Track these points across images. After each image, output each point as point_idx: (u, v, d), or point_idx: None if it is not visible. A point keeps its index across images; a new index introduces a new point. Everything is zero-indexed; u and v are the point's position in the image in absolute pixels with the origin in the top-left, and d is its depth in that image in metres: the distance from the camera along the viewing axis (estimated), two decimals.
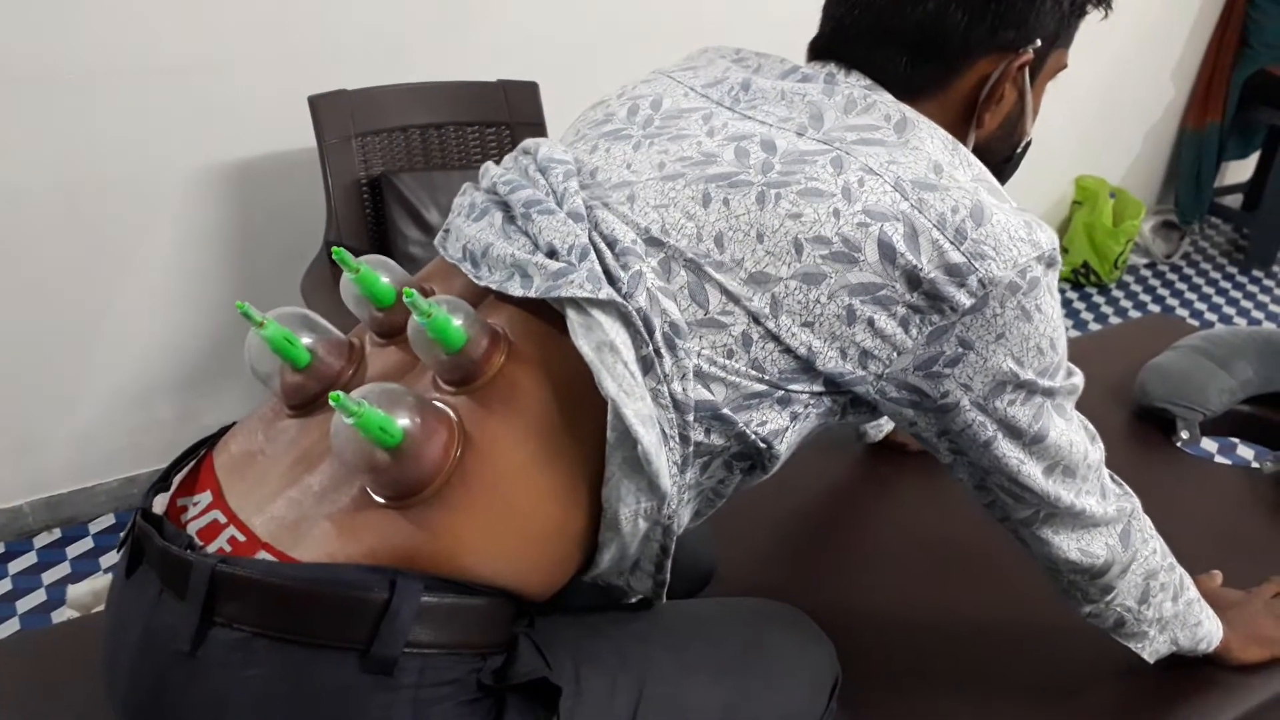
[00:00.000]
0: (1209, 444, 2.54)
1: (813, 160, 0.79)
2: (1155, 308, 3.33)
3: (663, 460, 0.76)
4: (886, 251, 0.76)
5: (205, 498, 0.81)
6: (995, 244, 0.76)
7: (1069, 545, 0.94)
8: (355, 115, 1.91)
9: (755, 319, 0.77)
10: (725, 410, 0.79)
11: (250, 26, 1.98)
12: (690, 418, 0.78)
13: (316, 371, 0.83)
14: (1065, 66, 0.94)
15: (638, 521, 0.79)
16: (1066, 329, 2.95)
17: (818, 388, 0.81)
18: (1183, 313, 3.31)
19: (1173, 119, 3.66)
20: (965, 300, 0.76)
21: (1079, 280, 3.46)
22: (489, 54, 2.24)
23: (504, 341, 0.79)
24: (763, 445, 0.82)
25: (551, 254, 0.79)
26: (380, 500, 0.74)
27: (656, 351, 0.75)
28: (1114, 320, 3.23)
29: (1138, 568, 1.00)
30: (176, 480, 0.85)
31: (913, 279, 0.76)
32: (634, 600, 0.92)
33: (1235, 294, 3.46)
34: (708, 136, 0.84)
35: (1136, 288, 3.48)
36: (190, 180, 2.03)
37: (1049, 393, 0.84)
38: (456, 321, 0.75)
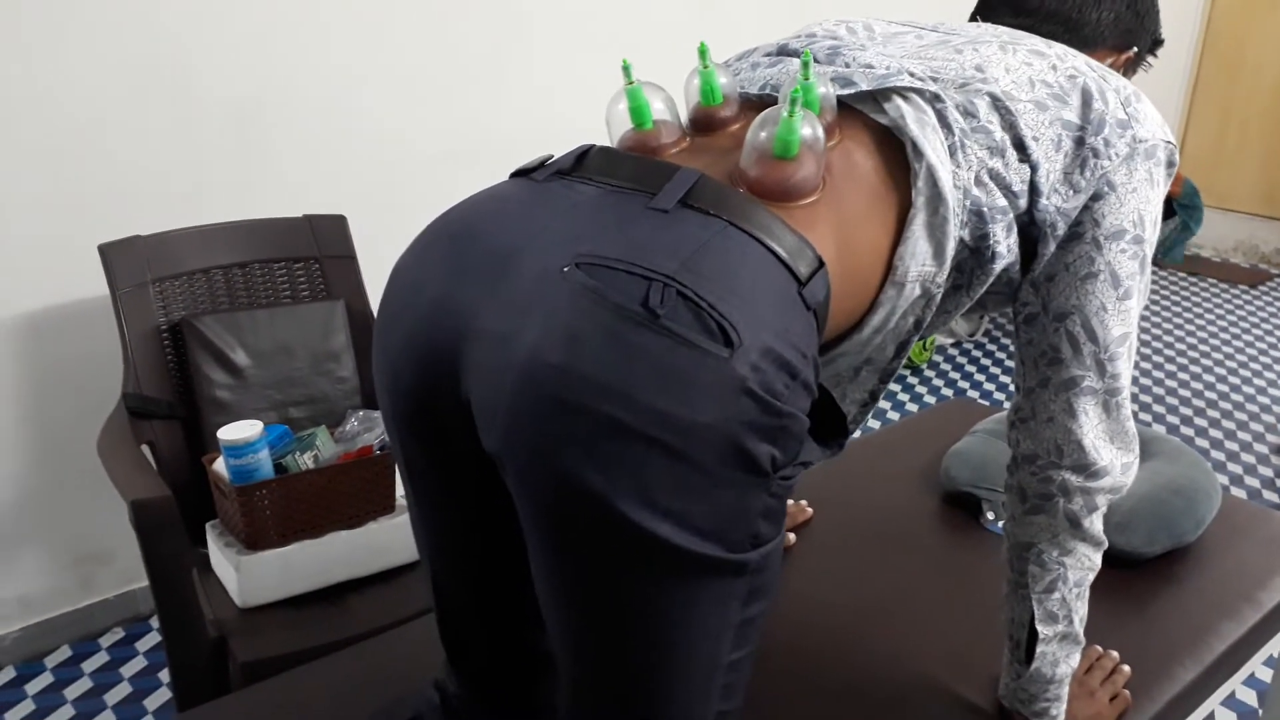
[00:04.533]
0: None
1: (1027, 37, 1.04)
2: (965, 384, 3.54)
3: (953, 227, 0.91)
4: (1086, 98, 0.98)
5: None
6: (1146, 116, 1.01)
7: (1088, 428, 1.04)
8: (151, 261, 1.84)
9: (1010, 125, 0.95)
10: (985, 209, 0.94)
11: (34, 172, 1.90)
12: (968, 204, 0.93)
13: (652, 136, 0.94)
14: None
15: (916, 285, 0.92)
16: (884, 413, 3.03)
17: (1023, 208, 0.97)
18: (989, 387, 3.52)
19: None
20: (1123, 149, 0.98)
21: None
22: (293, 189, 2.22)
23: (839, 124, 0.93)
24: (987, 255, 0.96)
25: (869, 67, 0.96)
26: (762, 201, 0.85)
27: (958, 143, 0.92)
28: (929, 400, 3.40)
29: (1098, 543, 1.09)
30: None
31: (1099, 123, 0.97)
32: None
33: None
34: (931, 40, 1.02)
35: (946, 366, 3.68)
36: None
37: (1144, 265, 1.02)
38: (820, 90, 0.90)
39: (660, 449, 0.74)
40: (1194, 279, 4.59)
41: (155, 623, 2.25)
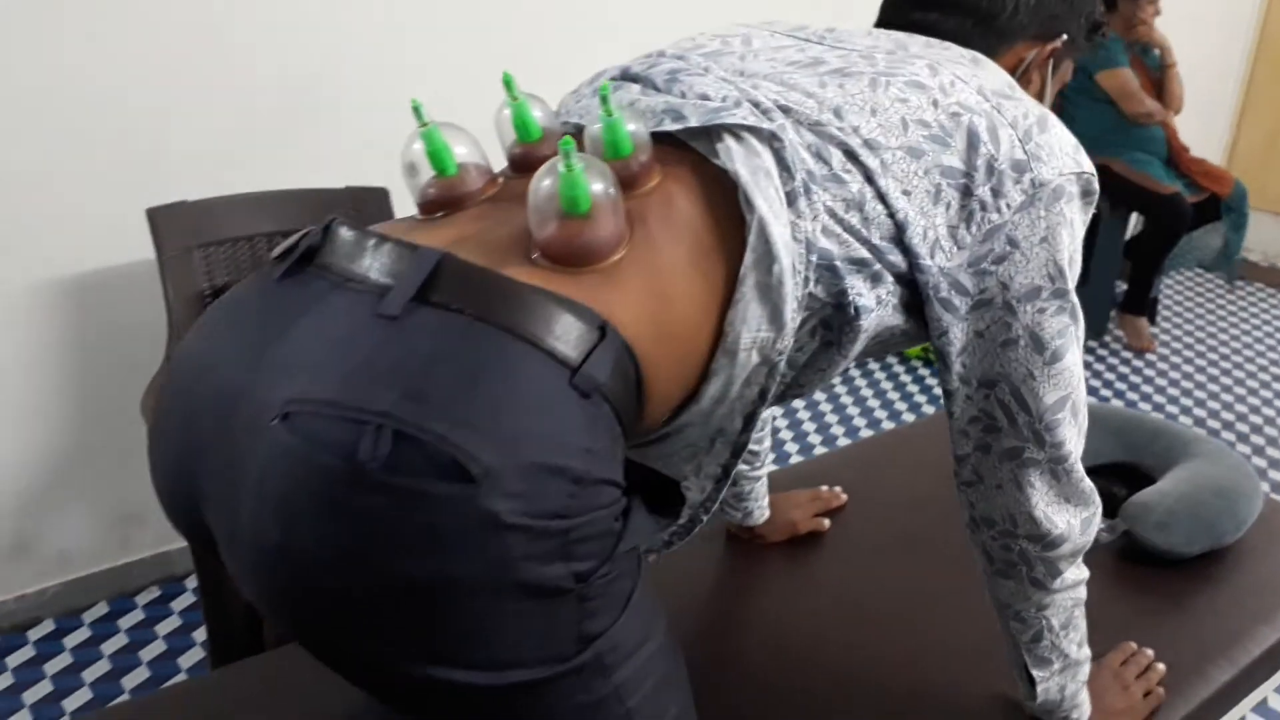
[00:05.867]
0: None
1: (911, 63, 0.89)
2: None
3: (790, 289, 0.80)
4: (973, 140, 0.85)
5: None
6: (1050, 150, 0.87)
7: (1036, 499, 0.96)
8: (197, 226, 1.87)
9: (869, 178, 0.82)
10: (837, 263, 0.83)
11: (82, 137, 1.93)
12: (814, 259, 0.82)
13: (457, 183, 0.84)
14: (1068, 80, 1.08)
15: (753, 352, 0.81)
16: (920, 406, 2.99)
17: (901, 267, 0.85)
18: None
19: None
20: (1018, 198, 0.85)
21: (930, 359, 3.61)
22: (336, 161, 2.24)
23: (659, 164, 0.83)
24: (850, 312, 0.85)
25: (704, 98, 0.84)
26: (552, 267, 0.75)
27: (800, 189, 0.81)
28: None
29: (1076, 583, 1.03)
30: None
31: (989, 169, 0.85)
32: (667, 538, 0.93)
33: None
34: (808, 55, 0.92)
35: None
36: (21, 297, 1.94)
37: (1074, 314, 0.91)
38: (629, 127, 0.80)
39: (426, 612, 0.66)
40: (1240, 283, 4.51)
41: (190, 583, 2.28)
